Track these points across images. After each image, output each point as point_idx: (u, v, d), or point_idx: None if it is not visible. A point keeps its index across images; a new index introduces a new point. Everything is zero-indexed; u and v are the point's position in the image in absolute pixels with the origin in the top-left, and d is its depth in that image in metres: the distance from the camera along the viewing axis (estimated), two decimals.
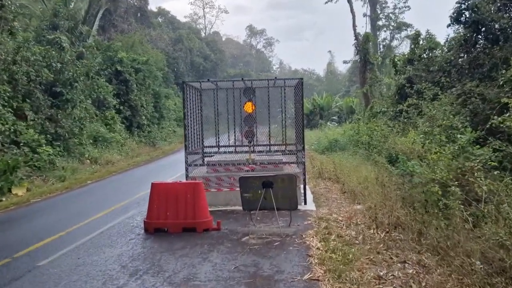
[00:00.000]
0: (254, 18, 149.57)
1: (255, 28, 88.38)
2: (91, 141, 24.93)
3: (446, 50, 20.06)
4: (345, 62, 33.71)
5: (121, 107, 31.36)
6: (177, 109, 42.43)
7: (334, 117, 45.89)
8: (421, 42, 21.53)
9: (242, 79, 10.35)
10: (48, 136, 21.42)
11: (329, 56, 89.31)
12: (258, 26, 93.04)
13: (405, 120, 17.47)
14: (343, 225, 8.80)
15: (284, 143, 11.43)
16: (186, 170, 10.38)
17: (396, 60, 21.94)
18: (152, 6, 74.55)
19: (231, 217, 9.67)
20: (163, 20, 61.72)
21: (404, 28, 50.12)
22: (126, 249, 7.58)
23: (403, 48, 50.18)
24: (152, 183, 8.63)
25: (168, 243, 7.83)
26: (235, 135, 11.17)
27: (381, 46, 49.95)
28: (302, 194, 10.50)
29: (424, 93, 18.48)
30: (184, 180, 9.06)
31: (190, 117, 10.58)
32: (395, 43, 52.41)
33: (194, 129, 10.69)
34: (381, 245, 7.46)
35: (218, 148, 11.52)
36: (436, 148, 11.96)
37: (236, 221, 9.29)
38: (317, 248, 7.28)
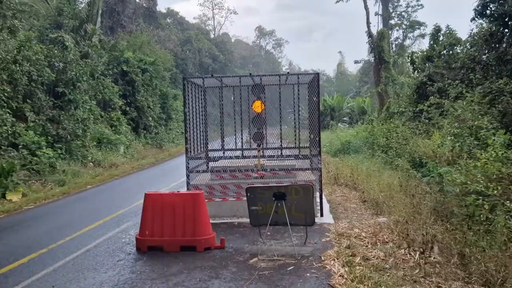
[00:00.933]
0: (263, 20, 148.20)
1: (264, 29, 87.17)
2: (94, 143, 23.83)
3: (469, 46, 18.59)
4: (356, 62, 32.61)
5: (127, 108, 30.28)
6: (209, 110, 41.27)
7: (345, 118, 44.40)
8: (440, 38, 20.05)
9: (250, 74, 9.08)
10: (49, 138, 20.35)
11: (340, 57, 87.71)
12: (267, 27, 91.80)
13: (426, 121, 16.03)
14: (367, 243, 7.46)
15: (297, 146, 10.12)
16: (187, 177, 9.11)
17: (414, 57, 20.48)
18: (161, 7, 73.69)
19: (237, 231, 8.38)
20: (172, 21, 60.71)
21: (417, 26, 48.48)
22: (111, 274, 6.31)
23: (416, 47, 48.47)
24: (145, 194, 7.36)
25: (162, 266, 6.55)
26: (242, 138, 9.88)
27: (393, 46, 48.31)
28: (318, 205, 9.18)
29: (447, 92, 17.07)
30: (184, 190, 7.73)
31: (192, 117, 9.33)
32: (408, 42, 50.78)
33: (196, 131, 9.43)
34: (417, 271, 6.11)
35: (223, 152, 10.25)
36: (467, 153, 10.62)
37: (243, 237, 8.00)
38: (340, 275, 5.95)
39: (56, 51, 21.69)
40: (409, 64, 22.91)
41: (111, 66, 30.28)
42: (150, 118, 32.12)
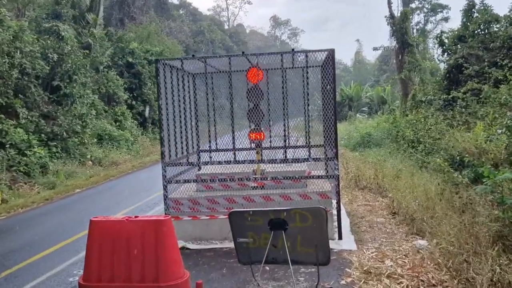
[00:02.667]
0: (279, 10, 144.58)
1: (279, 18, 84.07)
2: (95, 140, 21.90)
3: (509, 23, 15.83)
4: (375, 49, 29.89)
5: (134, 102, 28.33)
6: (198, 102, 39.05)
7: (364, 108, 41.66)
8: (474, 16, 17.28)
9: (243, 53, 6.76)
10: (43, 136, 18.47)
11: (357, 45, 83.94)
12: (282, 17, 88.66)
13: (463, 110, 13.44)
14: (406, 287, 5.13)
15: (308, 145, 7.78)
16: (165, 189, 6.90)
17: (443, 37, 17.77)
18: None
19: (225, 265, 6.13)
20: (185, 12, 58.49)
21: (439, 10, 45.05)
22: None
23: (438, 32, 45.06)
24: (91, 222, 5.13)
25: None
26: (234, 136, 7.53)
27: (414, 31, 45.00)
28: (335, 222, 6.87)
29: (484, 76, 14.41)
30: (144, 216, 5.37)
31: (171, 111, 7.11)
32: (429, 26, 47.34)
33: (175, 129, 7.19)
34: None
35: (210, 156, 7.97)
36: None
37: (232, 275, 5.75)
38: None
39: (50, 42, 19.77)
40: (437, 46, 20.16)
41: (116, 58, 28.33)
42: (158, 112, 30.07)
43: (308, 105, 7.00)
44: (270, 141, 8.02)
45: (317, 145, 7.94)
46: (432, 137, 12.17)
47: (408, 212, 7.85)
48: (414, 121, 14.84)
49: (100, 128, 23.19)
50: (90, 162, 20.32)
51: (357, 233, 7.25)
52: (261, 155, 7.20)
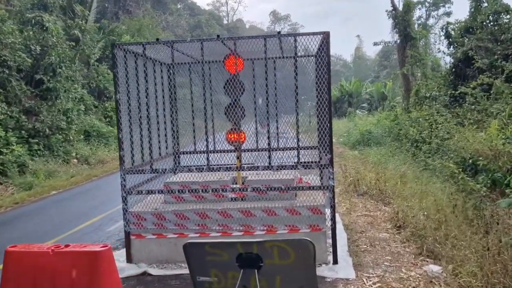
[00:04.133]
0: (279, 5, 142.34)
1: (279, 13, 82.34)
2: (81, 137, 20.64)
3: None
4: (375, 44, 28.65)
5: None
6: (195, 98, 37.44)
7: (363, 105, 40.35)
8: (483, 6, 15.94)
9: (218, 36, 5.45)
10: (23, 132, 17.23)
11: (357, 41, 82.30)
12: (282, 12, 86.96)
13: (472, 107, 12.15)
14: None
15: (297, 147, 6.50)
16: (124, 201, 5.65)
17: (449, 29, 16.45)
18: None
19: None
20: (183, 6, 57.02)
21: (441, 4, 43.55)
22: None
23: (439, 29, 43.59)
24: (6, 252, 3.87)
25: None
26: (208, 138, 6.17)
27: (415, 26, 43.56)
28: (330, 242, 5.62)
29: (494, 69, 13.12)
30: (78, 245, 4.01)
31: (133, 107, 5.84)
32: (431, 21, 45.78)
33: (138, 129, 5.92)
34: None
35: (176, 161, 6.63)
36: None
37: None
38: None
39: (32, 33, 18.47)
40: (440, 40, 18.88)
41: (108, 52, 27.00)
42: (152, 108, 28.73)
43: (297, 100, 5.72)
44: (269, 142, 6.68)
45: (309, 147, 6.65)
46: (440, 136, 10.87)
47: (416, 227, 6.59)
48: (419, 119, 13.53)
49: (88, 124, 21.94)
50: (75, 160, 19.09)
51: (356, 254, 5.99)
52: (240, 160, 5.93)
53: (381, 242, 6.46)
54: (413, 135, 13.78)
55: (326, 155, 5.50)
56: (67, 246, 3.84)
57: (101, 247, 3.74)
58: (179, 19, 48.26)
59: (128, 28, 30.08)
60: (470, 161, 8.82)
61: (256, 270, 3.55)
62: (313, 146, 6.62)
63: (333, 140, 18.25)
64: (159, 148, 6.58)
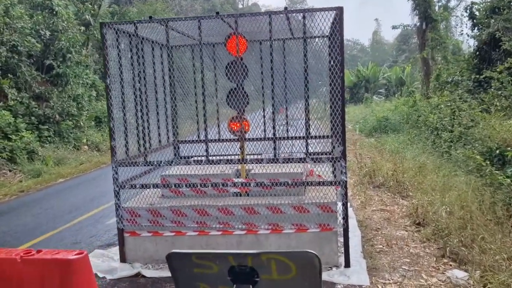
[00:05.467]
0: None
1: None
2: (92, 123, 20.33)
3: None
4: (394, 27, 27.27)
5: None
6: (208, 83, 36.62)
7: (381, 90, 39.20)
8: None
9: (218, 13, 4.83)
10: (33, 118, 16.98)
11: (375, 25, 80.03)
12: None
13: (499, 92, 11.29)
14: None
15: (306, 136, 5.87)
16: (117, 196, 5.17)
17: (474, 9, 15.41)
18: None
19: None
20: None
21: None
22: None
23: (462, 10, 41.68)
24: None
25: None
26: (206, 125, 5.57)
27: (436, 8, 41.82)
28: (341, 243, 5.04)
29: None
30: (46, 251, 3.46)
31: (127, 94, 5.32)
32: (452, 3, 43.91)
33: (133, 117, 5.41)
34: None
35: (176, 153, 6.06)
36: None
37: None
38: None
39: (41, 18, 18.07)
40: (463, 21, 17.82)
41: None
42: (163, 93, 28.30)
43: (306, 85, 5.09)
44: (274, 131, 6.07)
45: (320, 136, 6.04)
46: (464, 124, 10.09)
47: (437, 225, 5.97)
48: (441, 105, 12.68)
49: (99, 110, 21.60)
50: (86, 146, 18.82)
51: (371, 255, 5.41)
52: (243, 152, 5.35)
53: (399, 242, 5.86)
54: (433, 122, 12.99)
55: (338, 146, 4.89)
56: (39, 252, 3.36)
57: (75, 254, 3.24)
58: (193, 3, 47.47)
59: (139, 11, 29.47)
60: (497, 151, 8.07)
61: (251, 286, 3.01)
62: (324, 136, 6.00)
63: (349, 127, 17.59)
64: (159, 136, 6.05)
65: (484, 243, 4.95)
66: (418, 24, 20.98)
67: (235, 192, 5.43)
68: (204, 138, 6.21)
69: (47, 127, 17.31)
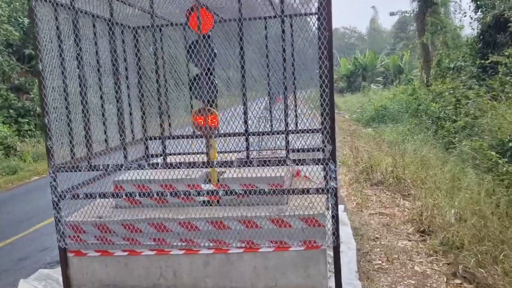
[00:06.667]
0: None
1: None
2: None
3: None
4: (392, 14, 26.00)
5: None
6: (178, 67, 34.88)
7: (378, 78, 38.07)
8: None
9: None
10: (12, 111, 15.97)
11: (373, 12, 78.43)
12: None
13: (508, 78, 10.25)
14: None
15: (286, 131, 4.81)
16: (55, 208, 4.18)
17: None
18: None
19: None
20: None
21: None
22: None
23: None
24: None
25: None
26: (163, 116, 4.49)
27: None
28: (331, 264, 4.06)
29: None
30: None
31: (65, 82, 4.31)
32: None
33: (78, 111, 4.40)
34: None
35: (125, 155, 4.96)
36: None
37: None
38: None
39: (19, 4, 16.92)
40: (465, 4, 16.71)
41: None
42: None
43: (284, 72, 4.08)
44: (246, 126, 5.07)
45: (306, 130, 5.01)
46: (471, 114, 9.07)
47: (446, 235, 5.00)
48: (445, 93, 11.62)
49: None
50: None
51: (368, 274, 4.45)
52: (212, 152, 4.34)
53: (401, 255, 4.89)
54: (436, 111, 11.98)
55: (330, 141, 3.87)
56: None
57: None
58: None
59: None
60: (510, 144, 7.08)
61: None
62: (309, 129, 4.96)
63: (346, 116, 16.39)
64: (121, 133, 4.99)
65: (508, 261, 3.99)
66: (417, 9, 19.84)
67: (203, 201, 4.44)
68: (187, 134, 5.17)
69: (27, 120, 16.30)
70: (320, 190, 3.93)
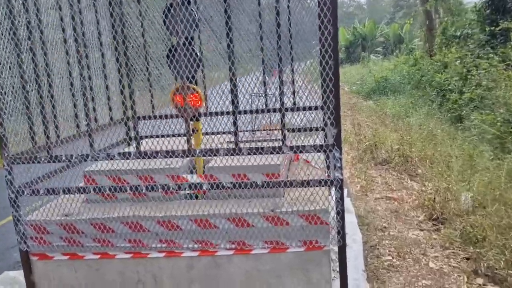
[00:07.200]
0: None
1: None
2: None
3: None
4: None
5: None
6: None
7: (378, 49, 37.01)
8: None
9: None
10: None
11: None
12: None
13: None
14: None
15: (280, 110, 4.13)
16: (13, 205, 3.56)
17: None
18: None
19: None
20: None
21: None
22: None
23: None
24: None
25: None
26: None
27: None
28: (336, 268, 3.46)
29: None
30: None
31: (20, 55, 3.61)
32: None
33: (30, 89, 3.71)
34: None
35: (91, 143, 4.29)
36: None
37: None
38: None
39: None
40: None
41: None
42: None
43: (279, 42, 3.37)
44: (234, 102, 4.39)
45: (305, 108, 4.32)
46: (484, 85, 8.35)
47: (464, 224, 4.41)
48: (455, 62, 10.80)
49: None
50: None
51: (377, 273, 3.87)
52: (191, 137, 3.68)
53: (413, 249, 4.31)
54: (442, 83, 11.24)
55: (334, 125, 3.20)
56: None
57: None
58: None
59: None
60: None
61: None
62: (311, 107, 4.26)
63: (345, 89, 15.49)
64: (93, 113, 4.30)
65: None
66: None
67: (188, 194, 3.81)
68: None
69: None
70: (323, 182, 3.28)
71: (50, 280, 3.72)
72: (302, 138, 3.83)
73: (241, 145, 3.49)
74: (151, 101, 4.73)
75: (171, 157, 3.34)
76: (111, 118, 4.75)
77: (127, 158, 3.41)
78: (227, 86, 4.09)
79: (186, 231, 3.48)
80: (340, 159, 3.19)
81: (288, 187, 3.32)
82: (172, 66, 3.56)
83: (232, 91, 3.34)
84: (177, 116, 3.77)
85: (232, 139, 3.50)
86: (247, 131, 4.68)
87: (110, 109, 4.77)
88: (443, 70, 12.29)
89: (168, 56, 3.62)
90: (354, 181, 6.48)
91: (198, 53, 3.62)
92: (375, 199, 5.71)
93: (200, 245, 3.49)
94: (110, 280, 3.63)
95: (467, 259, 4.05)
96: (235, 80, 3.41)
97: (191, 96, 3.60)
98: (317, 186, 3.31)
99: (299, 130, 4.50)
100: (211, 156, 3.41)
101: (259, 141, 4.60)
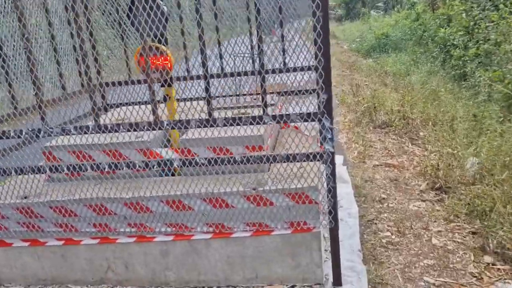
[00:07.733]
0: None
1: None
2: None
3: None
4: None
5: None
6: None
7: (379, 4, 35.45)
8: None
9: None
10: None
11: None
12: None
13: None
14: None
15: (259, 69, 3.57)
16: None
17: None
18: None
19: None
20: None
21: None
22: None
23: None
24: None
25: None
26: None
27: None
28: (328, 248, 3.05)
29: None
30: None
31: None
32: None
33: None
34: None
35: (42, 116, 3.72)
36: None
37: None
38: None
39: None
40: None
41: None
42: None
43: None
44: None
45: (295, 68, 3.78)
46: (493, 39, 7.68)
47: (469, 193, 3.99)
48: (461, 14, 10.03)
49: None
50: None
51: (374, 253, 3.48)
52: (173, 103, 3.17)
53: (414, 223, 3.91)
54: (445, 38, 10.54)
55: (319, 94, 2.69)
56: None
57: None
58: None
59: None
60: None
61: None
62: (302, 68, 3.71)
63: (345, 47, 14.68)
64: (36, 86, 3.76)
65: None
66: None
67: (155, 175, 3.36)
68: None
69: None
70: (312, 156, 2.81)
71: (11, 268, 3.35)
72: (295, 102, 3.30)
73: (216, 114, 2.99)
74: (127, 64, 4.18)
75: (135, 130, 2.85)
76: (82, 85, 4.22)
77: (85, 133, 2.91)
78: (227, 48, 3.55)
79: (158, 213, 3.06)
80: (331, 129, 2.71)
81: (271, 162, 2.84)
82: (136, 24, 2.99)
83: (202, 51, 2.79)
84: (145, 82, 3.24)
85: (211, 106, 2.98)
86: (229, 96, 4.18)
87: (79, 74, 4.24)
88: (446, 25, 11.52)
89: (129, 12, 3.04)
90: (351, 147, 6.00)
91: (164, 8, 3.03)
92: (374, 166, 5.26)
93: (173, 228, 3.08)
94: (78, 268, 3.26)
95: (474, 233, 3.65)
96: (206, 40, 2.86)
97: (159, 58, 3.06)
98: (304, 160, 2.83)
99: (290, 93, 3.97)
100: (181, 128, 2.91)
101: (244, 107, 4.11)
